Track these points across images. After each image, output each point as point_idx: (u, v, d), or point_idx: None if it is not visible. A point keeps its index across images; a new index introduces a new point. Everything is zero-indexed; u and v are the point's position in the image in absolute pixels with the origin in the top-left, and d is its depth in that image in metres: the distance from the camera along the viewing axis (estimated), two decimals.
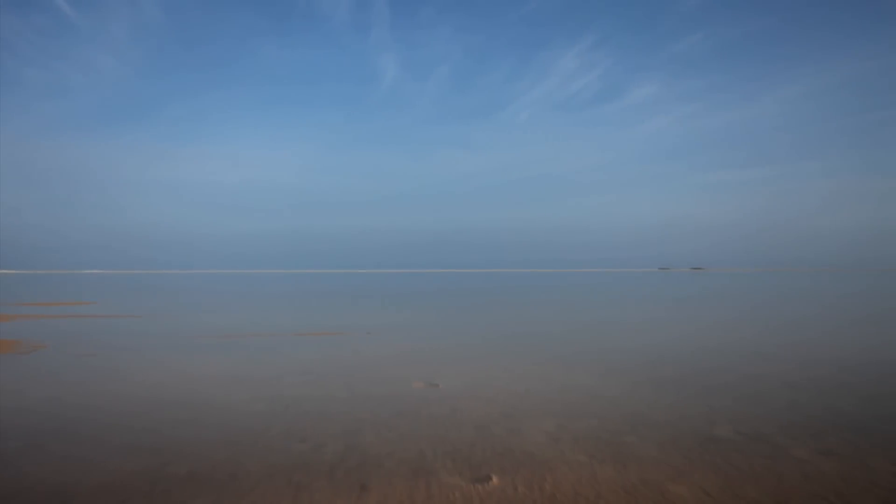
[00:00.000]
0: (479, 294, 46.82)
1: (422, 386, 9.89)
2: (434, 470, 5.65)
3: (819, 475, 5.48)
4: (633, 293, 47.43)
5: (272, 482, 5.35)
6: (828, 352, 13.69)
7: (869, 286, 60.65)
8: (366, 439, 6.73)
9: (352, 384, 10.07)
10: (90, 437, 6.87)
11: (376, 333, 17.97)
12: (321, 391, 9.48)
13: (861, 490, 5.11)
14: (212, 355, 13.34)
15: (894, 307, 29.33)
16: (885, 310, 27.63)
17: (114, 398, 8.95)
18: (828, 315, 25.03)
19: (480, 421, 7.54)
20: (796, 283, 72.09)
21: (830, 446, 6.39)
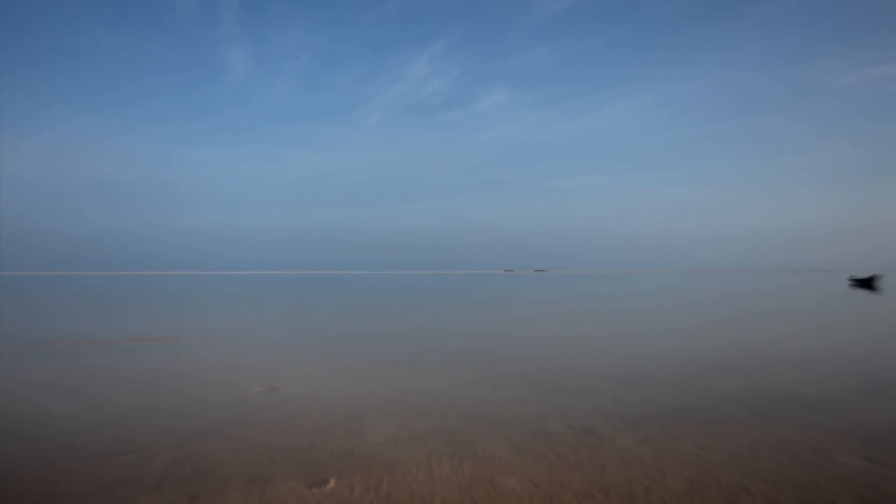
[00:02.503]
0: (325, 296, 46.22)
1: (261, 390, 9.61)
2: (270, 476, 5.51)
3: (637, 461, 5.91)
4: (474, 294, 48.71)
5: (93, 499, 4.98)
6: (653, 347, 14.79)
7: (697, 285, 66.16)
8: (199, 448, 6.44)
9: (186, 391, 9.61)
10: None
11: (217, 337, 17.27)
12: (152, 400, 8.95)
13: (672, 472, 5.57)
14: (31, 365, 12.23)
15: (718, 306, 32.11)
16: (710, 307, 30.26)
17: None
18: (654, 312, 27.05)
19: (320, 424, 7.45)
20: (633, 283, 77.11)
21: (648, 434, 6.91)
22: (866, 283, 65.35)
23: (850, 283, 70.97)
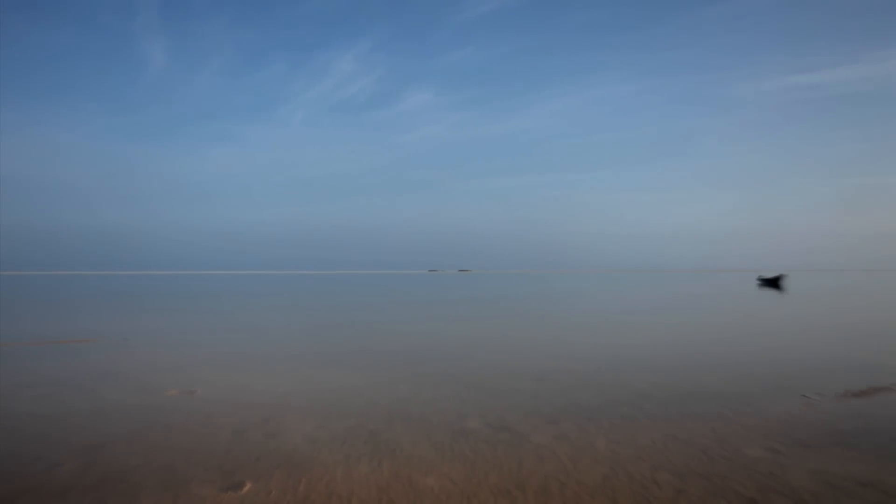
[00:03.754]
0: (250, 295, 45.27)
1: (176, 393, 9.36)
2: (184, 481, 5.38)
3: (553, 457, 6.06)
4: (397, 294, 48.70)
5: None
6: (571, 345, 15.17)
7: (615, 285, 67.94)
8: (109, 454, 6.22)
9: (98, 395, 9.25)
10: None
11: (134, 339, 16.70)
12: (60, 406, 8.58)
13: (586, 467, 5.73)
14: None
15: (635, 305, 33.08)
16: (628, 306, 31.17)
17: None
18: (573, 311, 27.72)
19: (237, 426, 7.32)
20: (554, 283, 78.51)
21: (565, 431, 7.08)
22: (773, 283, 68.62)
23: (758, 282, 74.26)
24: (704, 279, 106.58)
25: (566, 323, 22.46)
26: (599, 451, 6.29)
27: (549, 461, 5.93)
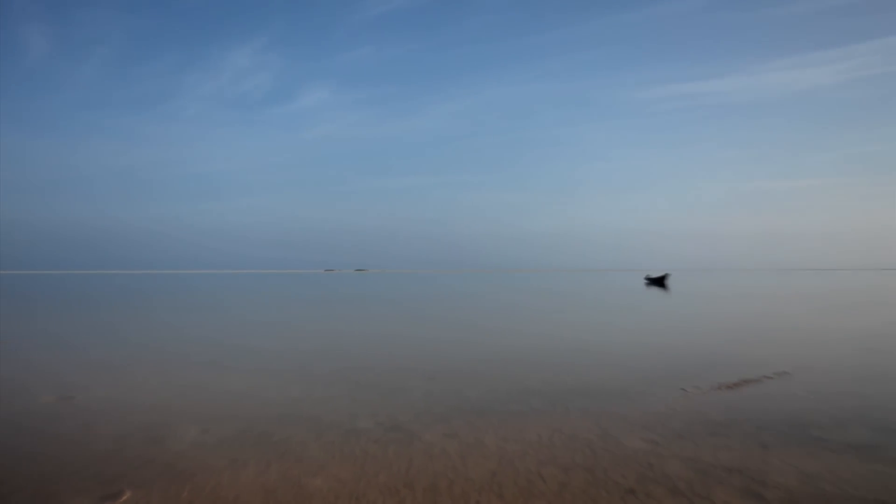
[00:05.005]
0: (135, 295, 43.31)
1: (52, 400, 8.86)
2: (57, 492, 5.12)
3: (443, 455, 6.16)
4: (291, 294, 47.98)
5: None
6: (464, 344, 15.39)
7: (511, 284, 69.25)
8: None
9: None
10: None
11: (7, 342, 15.68)
12: None
13: (475, 464, 5.86)
14: None
15: (527, 303, 33.87)
16: (521, 305, 31.86)
17: None
18: (467, 310, 28.14)
19: (118, 433, 7.02)
20: (451, 283, 79.27)
21: (455, 429, 7.21)
22: (659, 282, 71.94)
23: (645, 281, 77.69)
24: (595, 278, 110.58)
25: (458, 321, 22.80)
26: (488, 447, 6.44)
27: (439, 459, 6.03)
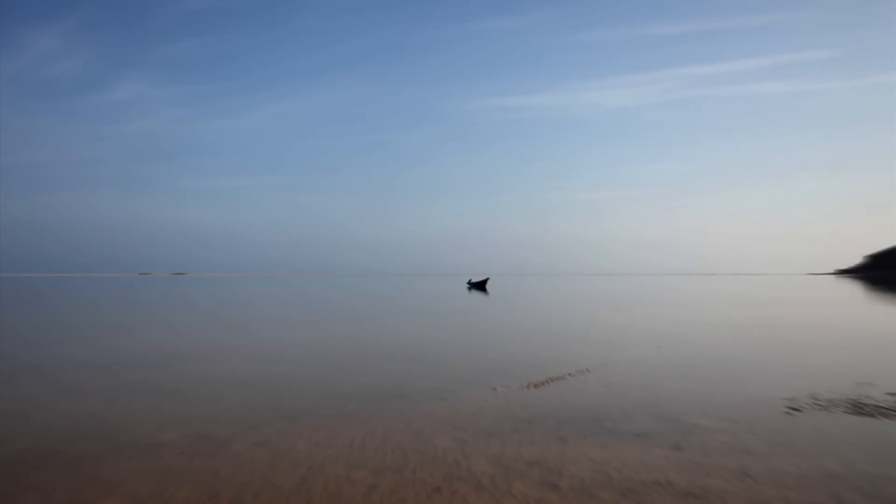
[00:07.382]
0: None
1: None
2: None
3: (251, 464, 5.99)
4: (97, 298, 44.61)
5: None
6: (280, 350, 15.07)
7: (330, 287, 68.63)
8: None
9: None
10: None
11: None
12: None
13: (284, 471, 5.77)
14: None
15: (349, 306, 33.76)
16: (341, 308, 31.69)
17: None
18: (285, 315, 27.58)
19: None
20: (271, 286, 77.22)
21: (266, 436, 7.04)
22: (480, 286, 74.75)
23: (467, 285, 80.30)
24: (419, 282, 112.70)
25: (275, 326, 22.28)
26: (299, 453, 6.36)
27: (247, 468, 5.86)
